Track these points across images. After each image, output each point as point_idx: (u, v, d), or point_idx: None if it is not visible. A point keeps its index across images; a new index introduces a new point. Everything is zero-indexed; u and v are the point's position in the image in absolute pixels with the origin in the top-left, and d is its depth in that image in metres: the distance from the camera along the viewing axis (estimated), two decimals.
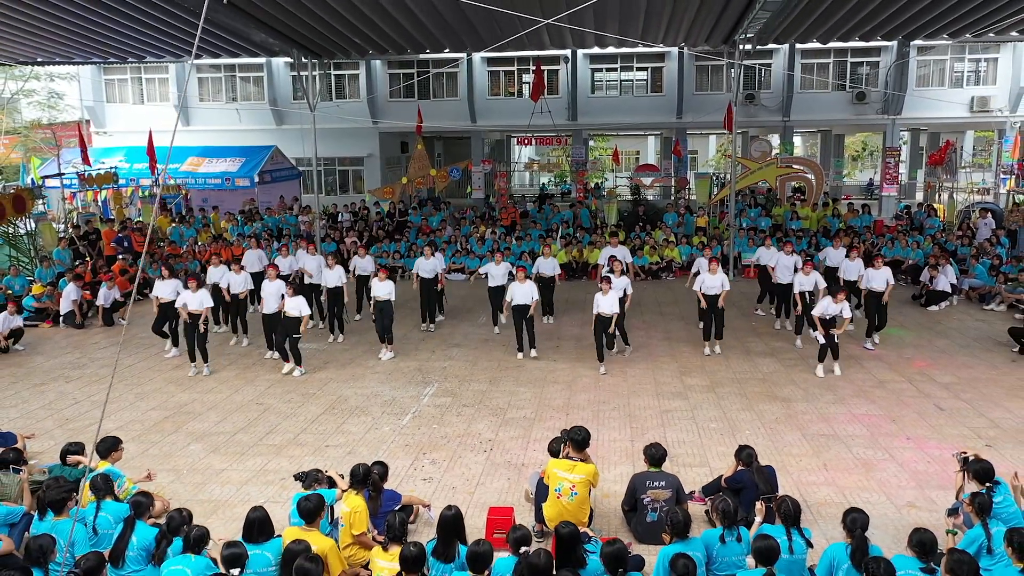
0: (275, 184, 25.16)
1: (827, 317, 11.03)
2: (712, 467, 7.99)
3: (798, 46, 26.09)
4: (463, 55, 26.38)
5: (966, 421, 9.27)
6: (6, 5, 14.93)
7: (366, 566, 6.00)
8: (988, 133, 34.00)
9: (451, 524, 5.63)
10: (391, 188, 24.55)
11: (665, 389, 10.67)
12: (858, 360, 11.73)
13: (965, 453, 6.50)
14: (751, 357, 12.13)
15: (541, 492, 6.68)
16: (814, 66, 28.00)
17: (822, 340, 11.06)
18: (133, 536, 5.75)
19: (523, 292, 12.00)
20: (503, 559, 5.41)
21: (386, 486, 6.74)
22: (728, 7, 16.57)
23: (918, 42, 23.97)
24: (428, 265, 13.69)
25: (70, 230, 19.98)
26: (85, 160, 20.93)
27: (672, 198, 27.08)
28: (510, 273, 13.28)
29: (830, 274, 13.89)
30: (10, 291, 15.29)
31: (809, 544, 5.64)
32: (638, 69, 29.17)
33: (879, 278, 12.27)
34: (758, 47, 19.93)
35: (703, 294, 12.19)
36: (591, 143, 37.31)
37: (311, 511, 5.73)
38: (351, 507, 6.13)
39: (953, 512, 6.17)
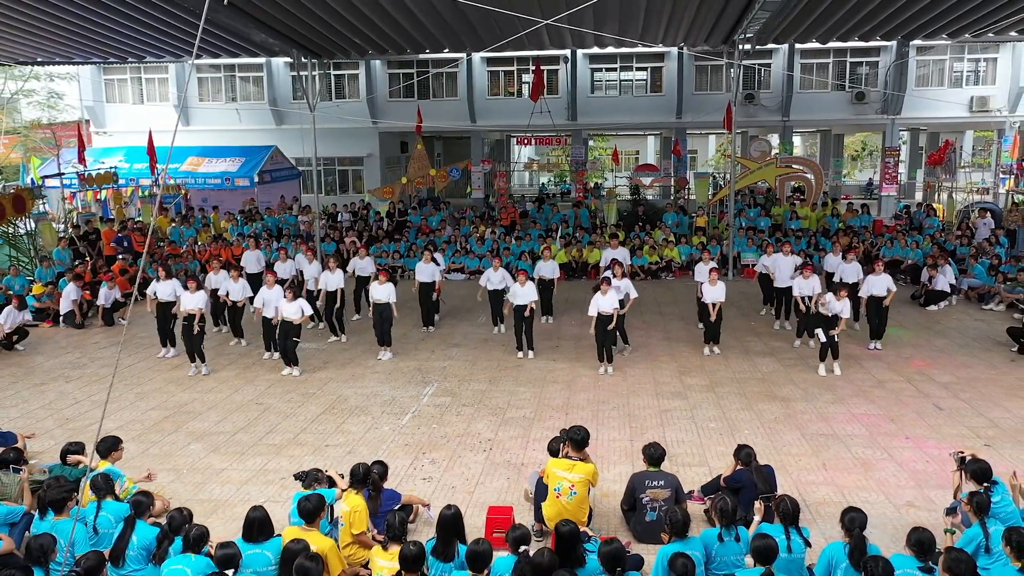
0: (275, 184, 25.18)
1: (829, 314, 11.05)
2: (711, 466, 8.01)
3: (797, 46, 26.10)
4: (463, 55, 26.39)
5: (965, 421, 9.29)
6: (6, 5, 14.94)
7: (366, 565, 6.01)
8: (987, 133, 34.00)
9: (451, 523, 5.65)
10: (391, 188, 24.57)
11: (664, 389, 10.68)
12: (857, 360, 11.75)
13: (962, 453, 6.51)
14: (750, 357, 12.14)
15: (540, 491, 6.70)
16: (813, 66, 28.01)
17: (823, 338, 11.08)
18: (133, 535, 5.76)
19: (523, 293, 12.04)
20: (502, 558, 5.42)
21: (386, 485, 6.76)
22: (727, 7, 16.58)
23: (917, 42, 23.98)
24: (427, 270, 13.71)
25: (70, 230, 19.99)
26: (81, 160, 20.94)
27: (672, 198, 27.10)
28: (510, 275, 13.35)
29: (829, 279, 13.93)
30: (10, 291, 15.30)
31: (807, 543, 5.66)
32: (638, 69, 29.18)
33: (880, 284, 12.28)
34: (757, 47, 19.95)
35: (701, 301, 12.27)
36: (591, 143, 37.32)
37: (311, 511, 5.75)
38: (351, 506, 6.15)
39: (951, 511, 6.19)
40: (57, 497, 5.96)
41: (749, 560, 5.51)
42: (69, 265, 16.94)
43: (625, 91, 29.45)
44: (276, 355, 12.14)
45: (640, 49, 24.87)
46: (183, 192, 23.66)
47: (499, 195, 26.73)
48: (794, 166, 23.29)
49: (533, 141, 30.59)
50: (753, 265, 17.51)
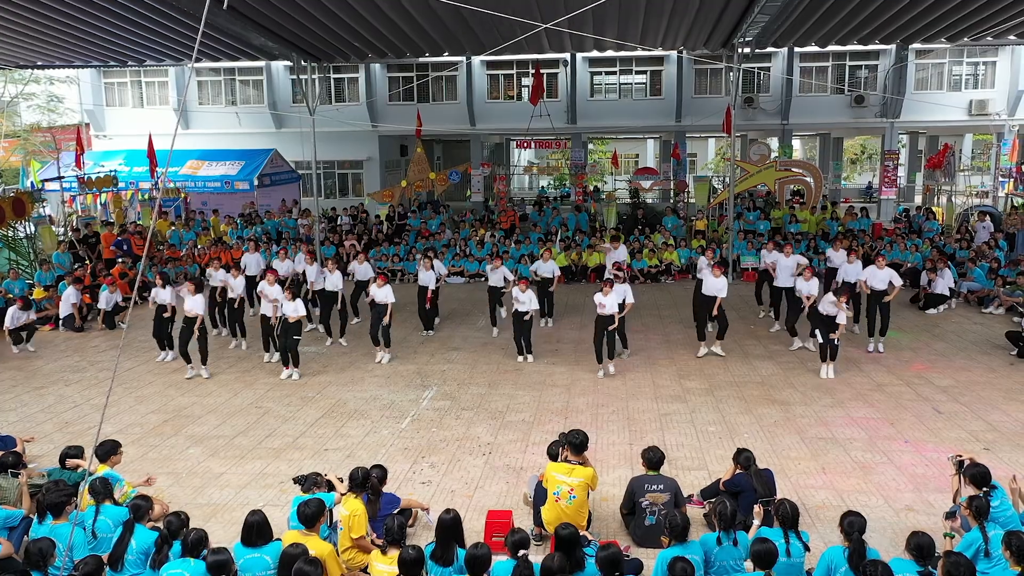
0: (274, 187, 25.20)
1: (827, 316, 11.06)
2: (711, 470, 8.01)
3: (796, 49, 26.14)
4: (462, 59, 26.46)
5: (964, 424, 9.29)
6: (6, 9, 14.97)
7: (365, 570, 6.00)
8: (986, 136, 34.02)
9: (450, 527, 5.65)
10: (390, 191, 24.56)
11: (664, 392, 10.69)
12: (856, 363, 11.75)
13: (960, 457, 6.51)
14: (749, 360, 12.14)
15: (540, 495, 6.69)
16: (813, 69, 28.04)
17: (821, 339, 11.10)
18: (132, 540, 5.76)
19: (524, 299, 12.05)
20: (501, 563, 5.42)
21: (385, 489, 6.75)
22: (726, 11, 16.61)
23: (916, 46, 24.01)
24: (426, 277, 13.74)
25: (70, 233, 19.99)
26: (78, 164, 20.95)
27: (671, 201, 27.12)
28: (505, 279, 13.37)
29: (831, 275, 13.94)
30: (10, 295, 15.30)
31: (807, 547, 5.66)
32: (637, 72, 29.21)
33: (881, 277, 12.25)
34: (756, 50, 19.96)
35: (703, 293, 12.24)
36: (590, 146, 37.35)
37: (310, 516, 5.73)
38: (350, 510, 6.14)
39: (951, 515, 6.18)
40: (56, 501, 5.96)
41: (749, 564, 5.51)
42: (69, 268, 16.94)
43: (624, 94, 29.48)
44: (276, 357, 12.15)
45: (639, 52, 24.90)
46: (183, 195, 23.66)
47: (498, 198, 26.75)
48: (793, 169, 23.33)
49: (533, 144, 30.63)
50: (753, 268, 17.52)
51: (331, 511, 6.27)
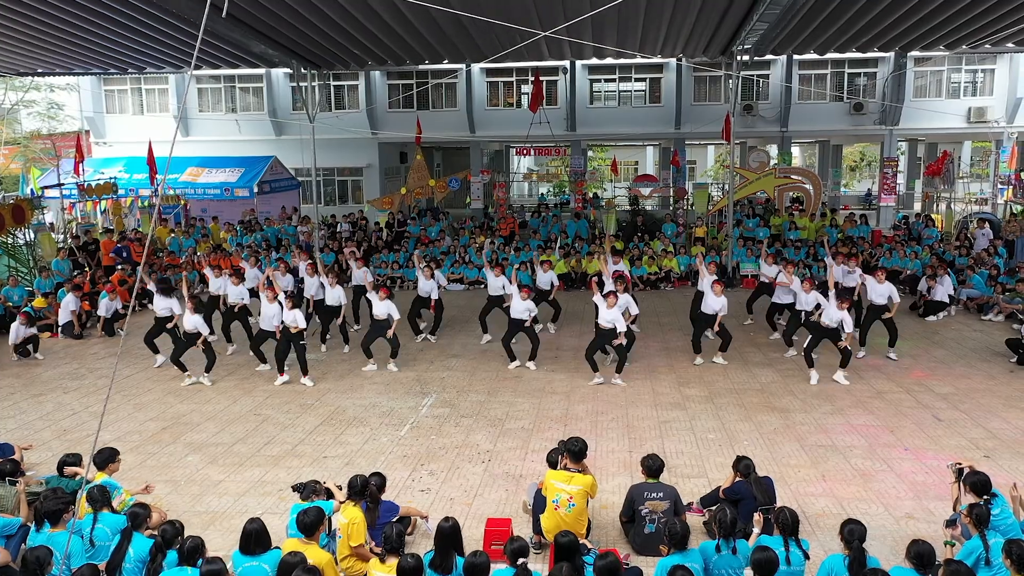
0: (274, 194, 25.22)
1: (831, 326, 11.06)
2: (710, 478, 7.99)
3: (795, 57, 26.21)
4: (462, 66, 26.47)
5: (964, 432, 9.27)
6: (7, 17, 15.01)
7: None
8: (985, 144, 34.08)
9: (449, 535, 5.63)
10: (390, 198, 24.61)
11: (663, 399, 10.67)
12: (856, 370, 11.73)
13: (960, 464, 6.50)
14: (749, 367, 12.13)
15: (539, 503, 6.67)
16: (812, 77, 28.11)
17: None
18: (130, 548, 5.74)
19: (522, 308, 12.05)
20: (501, 571, 5.41)
21: (384, 497, 6.73)
22: (725, 19, 16.65)
23: (915, 53, 24.07)
24: (426, 286, 13.73)
25: (69, 240, 19.99)
26: (77, 171, 20.98)
27: (670, 208, 27.15)
28: (504, 288, 13.38)
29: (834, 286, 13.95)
30: (9, 302, 15.30)
31: (806, 556, 5.64)
32: (636, 80, 29.29)
33: (880, 292, 12.27)
34: (755, 58, 20.01)
35: (702, 311, 12.25)
36: (590, 153, 37.39)
37: (309, 525, 5.72)
38: (349, 518, 6.13)
39: (951, 523, 6.17)
40: (53, 509, 5.95)
41: (748, 573, 5.49)
42: (68, 276, 16.94)
43: (624, 102, 29.55)
44: (266, 367, 12.17)
45: (639, 60, 24.97)
46: (182, 202, 23.68)
47: (498, 205, 26.77)
48: (793, 176, 23.36)
49: (532, 152, 30.64)
50: (753, 276, 17.52)
51: (330, 519, 6.25)
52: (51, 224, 22.92)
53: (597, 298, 11.51)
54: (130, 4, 14.42)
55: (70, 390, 11.61)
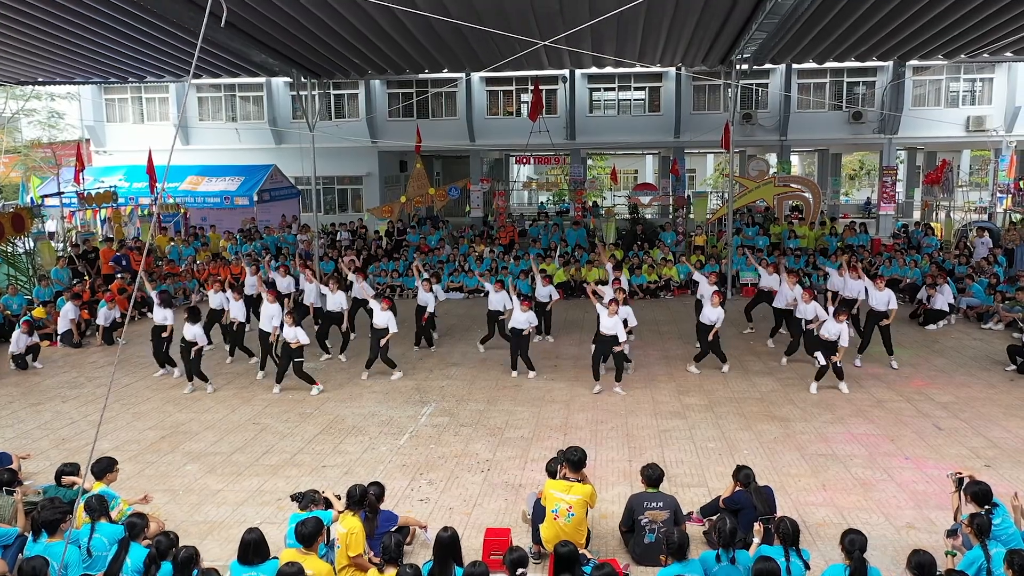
0: (274, 203, 25.23)
1: (830, 339, 11.05)
2: (710, 487, 7.96)
3: (794, 66, 26.28)
4: (462, 75, 26.56)
5: (965, 441, 9.25)
6: (8, 26, 15.05)
7: None
8: (984, 152, 34.14)
9: (447, 545, 5.61)
10: (390, 207, 24.62)
11: (663, 408, 10.65)
12: (856, 379, 11.71)
13: (960, 474, 6.48)
14: (749, 376, 12.12)
15: (538, 513, 6.65)
16: (811, 86, 28.18)
17: (822, 362, 11.09)
18: (128, 558, 5.71)
19: (522, 319, 12.05)
20: None
21: (383, 507, 6.71)
22: (724, 28, 16.70)
23: (913, 62, 24.14)
24: (424, 298, 13.73)
25: (69, 249, 19.99)
26: (77, 180, 21.00)
27: (670, 217, 27.19)
28: (505, 306, 13.38)
29: (833, 297, 13.95)
30: (8, 310, 15.28)
31: (807, 566, 5.62)
32: (636, 89, 29.35)
33: (880, 298, 12.28)
34: (755, 67, 20.06)
35: (701, 322, 12.26)
36: (589, 162, 37.43)
37: (307, 536, 5.69)
38: (347, 528, 6.10)
39: (952, 533, 6.15)
40: (51, 518, 5.92)
41: None
42: (67, 284, 16.93)
43: (623, 111, 29.61)
44: (263, 375, 12.16)
45: (638, 69, 25.04)
46: (182, 211, 23.70)
47: (498, 214, 26.80)
48: (792, 185, 23.37)
49: (532, 160, 30.67)
50: (752, 284, 17.51)
51: (328, 529, 6.23)
52: (52, 233, 22.96)
53: (600, 308, 11.50)
54: (130, 13, 14.47)
55: (69, 399, 11.59)
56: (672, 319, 16.25)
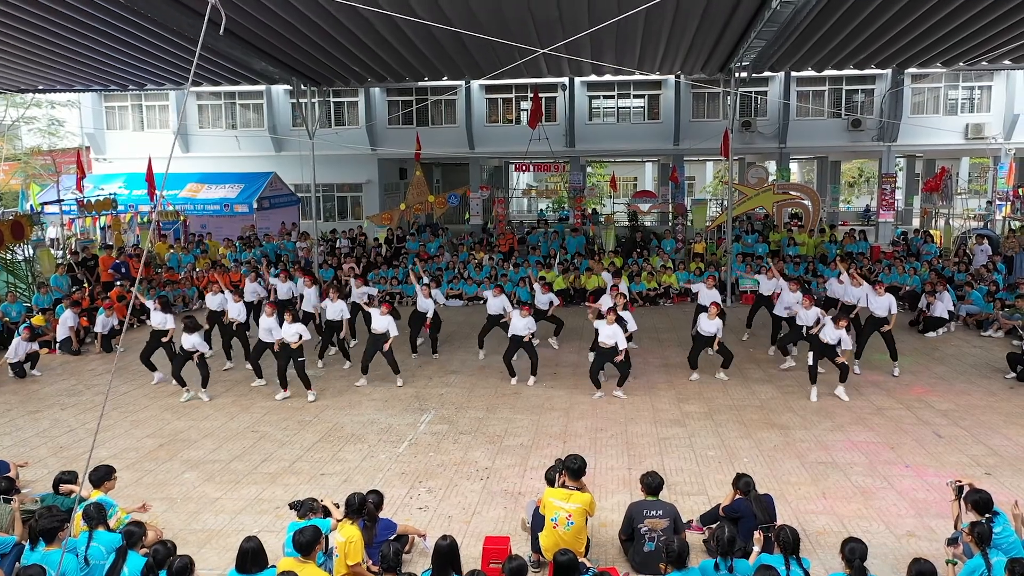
0: (273, 210, 25.25)
1: (830, 343, 11.05)
2: (710, 495, 7.94)
3: (793, 74, 26.34)
4: (461, 83, 26.60)
5: (965, 449, 9.23)
6: (8, 34, 15.08)
7: None
8: (983, 160, 34.19)
9: (446, 554, 5.59)
10: (389, 214, 24.63)
11: (663, 416, 10.63)
12: (856, 387, 11.70)
13: (960, 482, 6.46)
14: (748, 384, 12.10)
15: (537, 522, 6.63)
16: (809, 94, 28.25)
17: (810, 361, 11.11)
18: (125, 567, 5.69)
19: (522, 324, 12.03)
20: None
21: (381, 515, 6.69)
22: (723, 36, 16.73)
23: (912, 70, 24.18)
24: (424, 304, 13.72)
25: (68, 256, 19.99)
26: (79, 187, 21.01)
27: (669, 224, 27.20)
28: (504, 309, 13.35)
29: (830, 303, 13.96)
30: (6, 318, 15.27)
31: (807, 574, 5.59)
32: (635, 96, 29.42)
33: (881, 304, 12.27)
34: (754, 75, 20.10)
35: (699, 332, 12.25)
36: (589, 169, 37.48)
37: (305, 545, 5.67)
38: (346, 537, 6.08)
39: (953, 542, 6.12)
40: (48, 527, 5.89)
41: None
42: (67, 291, 16.92)
43: (623, 118, 29.66)
44: (262, 383, 12.12)
45: (637, 77, 25.07)
46: (182, 218, 23.71)
47: (497, 221, 26.83)
48: (791, 192, 23.40)
49: (531, 168, 30.74)
50: (752, 292, 17.51)
51: (327, 537, 6.20)
52: (55, 240, 22.96)
53: (598, 323, 11.47)
54: (130, 21, 14.49)
55: (67, 407, 11.56)
56: (671, 326, 16.24)
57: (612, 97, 29.51)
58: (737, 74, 18.65)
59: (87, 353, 14.89)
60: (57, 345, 14.83)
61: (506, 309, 13.20)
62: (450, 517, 7.66)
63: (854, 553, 5.37)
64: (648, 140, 29.28)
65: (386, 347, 11.99)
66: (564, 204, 34.20)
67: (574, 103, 28.66)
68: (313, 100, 21.48)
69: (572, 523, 6.38)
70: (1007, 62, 20.27)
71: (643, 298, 18.47)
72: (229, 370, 13.37)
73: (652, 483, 6.66)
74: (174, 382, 11.87)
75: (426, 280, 14.29)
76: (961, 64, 20.45)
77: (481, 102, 29.54)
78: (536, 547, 6.55)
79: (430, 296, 13.74)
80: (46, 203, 22.27)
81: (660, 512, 6.46)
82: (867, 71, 24.40)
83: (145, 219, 22.89)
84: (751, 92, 27.38)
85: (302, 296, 14.60)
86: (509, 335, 12.28)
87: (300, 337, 11.39)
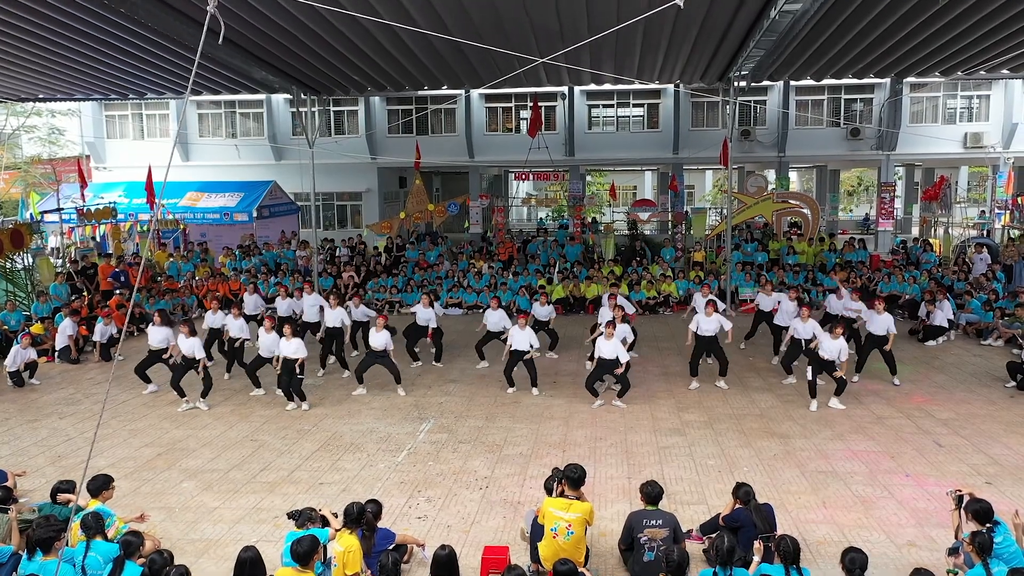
0: (273, 219, 25.27)
1: (829, 359, 11.04)
2: (710, 505, 7.92)
3: (792, 83, 26.40)
4: (461, 92, 26.64)
5: (965, 458, 9.21)
6: (9, 44, 15.12)
7: None
8: (982, 169, 34.25)
9: (445, 564, 5.57)
10: (389, 223, 24.65)
11: (662, 425, 10.60)
12: (856, 396, 11.68)
13: (959, 492, 6.44)
14: (748, 393, 12.08)
15: (536, 531, 6.60)
16: (808, 103, 28.31)
17: (810, 376, 11.09)
18: None
19: (522, 338, 12.00)
20: None
21: (380, 524, 6.66)
22: (722, 45, 16.77)
23: (911, 79, 24.26)
24: (424, 314, 13.68)
25: (67, 265, 19.99)
26: (83, 196, 21.03)
27: (669, 233, 27.23)
28: (508, 315, 13.32)
29: (829, 319, 13.95)
30: (5, 326, 15.25)
31: None
32: (634, 105, 29.50)
33: (879, 323, 12.24)
34: (753, 84, 20.13)
35: (697, 334, 12.23)
36: (588, 178, 37.54)
37: (303, 555, 5.64)
38: (344, 547, 6.05)
39: (954, 552, 6.11)
40: (45, 536, 5.87)
41: None
42: (66, 300, 16.91)
43: (622, 127, 29.73)
44: (261, 391, 12.11)
45: (637, 86, 25.14)
46: (181, 227, 23.72)
47: (497, 230, 26.84)
48: (791, 201, 23.43)
49: (531, 176, 30.78)
50: (751, 300, 17.51)
51: (325, 547, 6.18)
52: (56, 249, 22.97)
53: (600, 341, 11.41)
54: (130, 30, 14.53)
55: (66, 415, 11.54)
56: (671, 335, 16.22)
57: (611, 106, 29.58)
58: (736, 83, 18.70)
59: (86, 362, 14.87)
60: (56, 354, 14.80)
61: (506, 327, 13.07)
62: (449, 527, 7.63)
63: (854, 563, 5.35)
64: (647, 149, 29.34)
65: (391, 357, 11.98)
66: (564, 213, 34.25)
67: (573, 112, 28.73)
68: (313, 109, 21.51)
69: (572, 533, 6.36)
70: (1005, 71, 20.31)
71: (643, 307, 18.46)
72: (228, 380, 13.32)
73: (652, 492, 6.64)
74: (173, 392, 11.84)
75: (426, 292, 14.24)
76: (959, 73, 20.50)
77: (481, 111, 29.61)
78: (535, 557, 6.53)
79: (430, 306, 13.71)
80: (46, 212, 22.29)
81: (660, 521, 6.44)
82: (866, 80, 24.45)
83: (145, 228, 22.90)
84: (750, 101, 27.45)
85: (302, 311, 14.55)
86: (511, 349, 12.20)
87: (297, 354, 11.36)
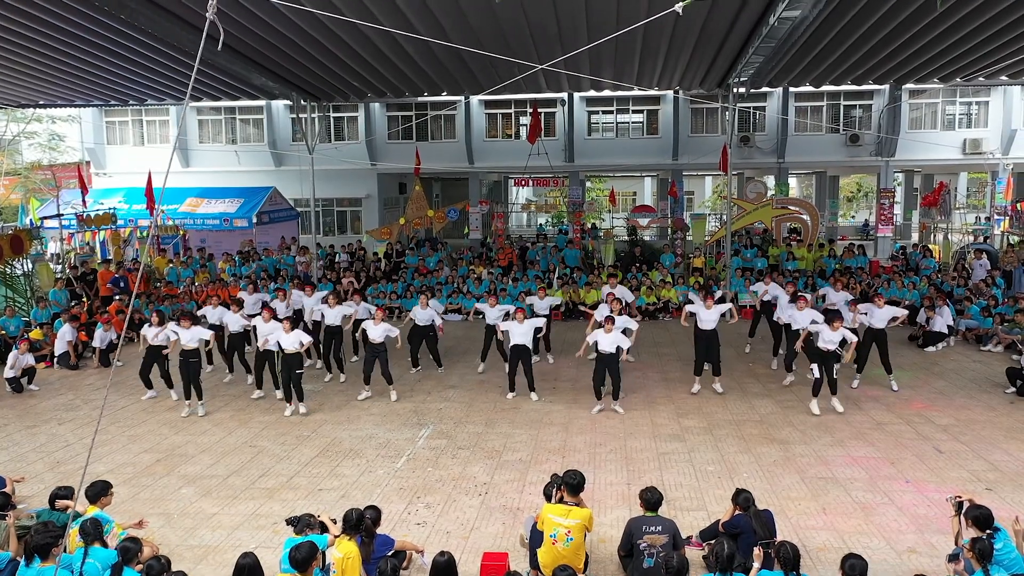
0: (273, 225, 25.26)
1: (828, 349, 11.02)
2: (710, 511, 7.90)
3: (791, 89, 26.44)
4: (461, 98, 26.73)
5: (965, 464, 9.20)
6: (9, 50, 15.16)
7: None
8: (981, 175, 34.29)
9: (444, 570, 5.56)
10: (388, 229, 24.67)
11: (662, 431, 10.59)
12: (856, 401, 11.67)
13: (959, 498, 6.43)
14: (748, 398, 12.06)
15: (535, 538, 6.59)
16: (808, 109, 28.36)
17: (817, 374, 11.08)
18: None
19: (521, 332, 11.99)
20: None
21: (379, 531, 6.65)
22: (721, 52, 16.83)
23: (910, 86, 24.31)
24: (423, 315, 13.67)
25: (67, 271, 19.98)
26: (84, 202, 21.06)
27: (668, 239, 27.25)
28: (506, 314, 13.29)
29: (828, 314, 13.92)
30: (4, 332, 15.25)
31: None
32: (634, 111, 29.54)
33: (881, 316, 12.23)
34: (752, 90, 20.20)
35: (698, 328, 12.20)
36: (588, 184, 37.57)
37: (301, 561, 5.63)
38: (343, 553, 6.04)
39: (954, 558, 6.09)
40: (43, 543, 5.85)
41: None
42: (65, 306, 16.90)
43: (622, 133, 29.77)
44: (260, 394, 12.08)
45: (636, 92, 25.19)
46: (181, 233, 23.72)
47: (496, 236, 26.86)
48: (790, 207, 23.45)
49: (531, 182, 30.84)
50: (751, 305, 17.50)
51: (324, 554, 6.16)
52: (57, 255, 22.96)
53: (596, 335, 11.42)
54: (130, 36, 14.58)
55: (65, 421, 11.52)
56: (671, 341, 16.22)
57: (611, 112, 29.63)
58: (735, 89, 18.75)
59: (85, 368, 14.86)
60: (55, 359, 14.79)
61: (509, 313, 13.12)
62: (448, 533, 7.62)
63: (854, 569, 5.34)
64: (647, 155, 29.37)
65: (398, 346, 12.14)
66: (563, 219, 34.29)
67: (573, 118, 28.77)
68: (313, 115, 21.57)
69: (571, 539, 6.34)
70: (1004, 77, 20.39)
71: (643, 312, 18.46)
72: (228, 384, 13.32)
73: (651, 498, 6.63)
74: (172, 398, 11.82)
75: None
76: (958, 79, 20.59)
77: (480, 117, 29.65)
78: (535, 563, 6.51)
79: (428, 306, 13.69)
80: (46, 218, 22.30)
81: (659, 528, 6.43)
82: (865, 86, 24.57)
83: (144, 233, 22.91)
84: (749, 107, 27.49)
85: (301, 310, 14.57)
86: (511, 345, 12.17)
87: (302, 344, 11.39)
